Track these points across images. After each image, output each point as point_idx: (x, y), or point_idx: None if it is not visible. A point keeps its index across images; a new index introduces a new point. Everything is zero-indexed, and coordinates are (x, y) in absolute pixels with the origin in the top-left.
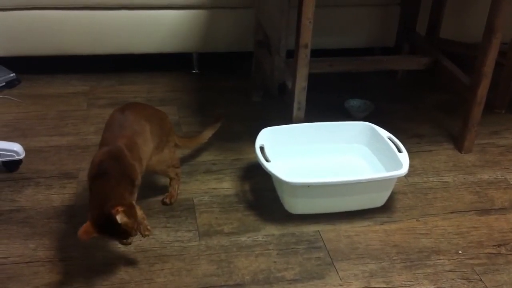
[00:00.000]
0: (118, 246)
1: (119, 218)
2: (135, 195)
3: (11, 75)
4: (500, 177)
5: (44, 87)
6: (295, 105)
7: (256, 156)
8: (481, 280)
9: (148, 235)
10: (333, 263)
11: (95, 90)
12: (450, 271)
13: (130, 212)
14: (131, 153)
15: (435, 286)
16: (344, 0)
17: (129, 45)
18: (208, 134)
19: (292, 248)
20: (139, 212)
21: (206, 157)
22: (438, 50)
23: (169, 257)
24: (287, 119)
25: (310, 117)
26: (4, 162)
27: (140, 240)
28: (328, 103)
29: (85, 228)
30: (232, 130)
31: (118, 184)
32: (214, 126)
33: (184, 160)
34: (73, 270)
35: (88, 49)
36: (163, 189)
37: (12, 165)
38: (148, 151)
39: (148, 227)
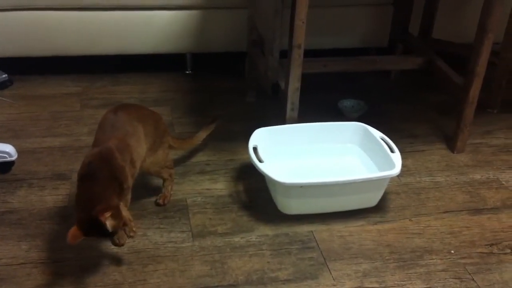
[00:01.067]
0: (111, 247)
1: (108, 223)
2: (128, 197)
3: (3, 76)
4: (492, 177)
5: (37, 88)
6: (289, 106)
7: (249, 157)
8: (473, 279)
9: (132, 236)
10: (326, 263)
11: (88, 91)
12: (442, 270)
13: (116, 214)
14: (122, 155)
15: (428, 286)
16: (337, 0)
17: (122, 45)
18: (202, 135)
19: (286, 249)
20: (126, 213)
21: (200, 157)
22: (431, 50)
23: (163, 258)
24: (281, 120)
25: (303, 117)
26: None
27: (134, 241)
28: (321, 104)
29: (73, 233)
30: (226, 131)
31: (105, 186)
32: (209, 128)
33: (178, 161)
34: (66, 272)
35: (82, 49)
36: (156, 190)
37: (4, 167)
38: (141, 152)
39: (134, 229)
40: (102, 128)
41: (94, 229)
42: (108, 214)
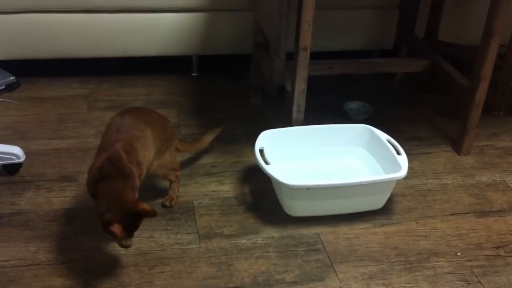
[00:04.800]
0: (118, 249)
1: (149, 208)
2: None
3: (11, 78)
4: (498, 179)
5: (44, 90)
6: (295, 108)
7: (255, 159)
8: (479, 282)
9: None
10: (332, 265)
11: (95, 93)
12: (449, 273)
13: None
14: (128, 156)
15: None
16: (343, 2)
17: (129, 48)
18: (209, 138)
19: (292, 251)
20: None
21: (206, 159)
22: (436, 52)
23: (169, 259)
24: (287, 122)
25: (309, 119)
26: (4, 165)
27: (140, 243)
28: (327, 106)
29: (117, 229)
30: (231, 133)
31: (123, 185)
32: (215, 131)
33: (184, 163)
34: (74, 273)
35: (88, 52)
36: (163, 192)
37: (12, 168)
38: (148, 155)
39: None
40: (108, 132)
41: (132, 223)
42: (142, 203)
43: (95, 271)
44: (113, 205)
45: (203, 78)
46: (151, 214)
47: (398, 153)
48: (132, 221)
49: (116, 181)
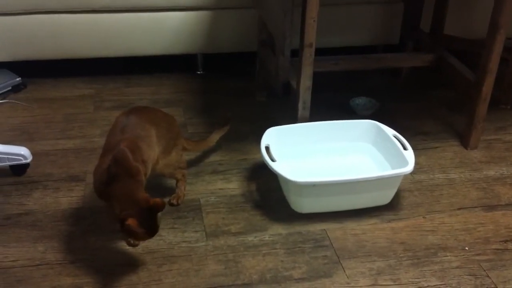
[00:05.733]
0: (126, 248)
1: (160, 202)
2: None
3: (17, 79)
4: (506, 173)
5: (50, 90)
6: (300, 105)
7: (261, 156)
8: (488, 276)
9: None
10: (340, 261)
11: (101, 93)
12: (457, 267)
13: None
14: (134, 155)
15: (442, 283)
16: None
17: (134, 47)
18: (216, 137)
19: (299, 247)
20: None
21: (212, 157)
22: (442, 47)
23: (177, 257)
24: (292, 119)
25: (315, 116)
26: (11, 166)
27: (148, 242)
28: (333, 102)
29: (133, 223)
30: (237, 131)
31: (133, 183)
32: (222, 129)
33: (190, 161)
34: (82, 272)
35: (93, 52)
36: (170, 190)
37: (19, 169)
38: (153, 154)
39: None
40: (113, 131)
41: (148, 220)
42: (152, 198)
43: (103, 270)
44: (127, 204)
45: (208, 77)
46: (162, 206)
47: (405, 148)
48: (148, 218)
49: (125, 180)
